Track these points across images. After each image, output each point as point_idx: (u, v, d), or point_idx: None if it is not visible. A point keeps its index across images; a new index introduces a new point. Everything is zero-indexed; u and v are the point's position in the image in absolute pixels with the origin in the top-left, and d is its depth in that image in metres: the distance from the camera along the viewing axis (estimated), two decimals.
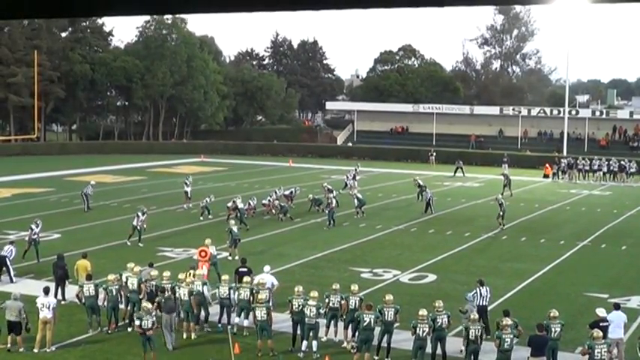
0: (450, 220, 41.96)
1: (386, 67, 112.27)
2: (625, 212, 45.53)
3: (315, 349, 19.99)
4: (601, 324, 19.04)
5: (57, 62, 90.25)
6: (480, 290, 21.51)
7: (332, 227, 38.41)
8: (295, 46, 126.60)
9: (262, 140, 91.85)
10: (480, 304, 21.22)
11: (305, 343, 20.15)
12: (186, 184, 45.73)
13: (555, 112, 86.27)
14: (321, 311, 20.54)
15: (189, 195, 44.71)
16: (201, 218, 40.51)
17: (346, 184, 52.19)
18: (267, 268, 24.01)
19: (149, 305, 19.58)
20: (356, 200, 42.36)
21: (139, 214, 34.02)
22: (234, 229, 31.71)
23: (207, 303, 22.12)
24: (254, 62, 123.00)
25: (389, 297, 20.36)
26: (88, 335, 21.22)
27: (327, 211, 39.75)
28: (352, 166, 59.85)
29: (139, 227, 33.47)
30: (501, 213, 38.81)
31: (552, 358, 18.77)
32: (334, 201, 40.09)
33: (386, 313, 19.80)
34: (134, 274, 22.43)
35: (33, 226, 30.47)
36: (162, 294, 21.43)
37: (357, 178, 55.09)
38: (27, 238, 30.39)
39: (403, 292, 25.70)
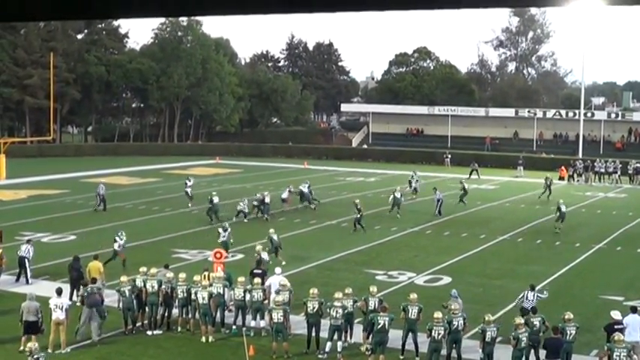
0: (465, 222, 41.86)
1: (401, 69, 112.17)
2: None
3: (339, 349, 19.99)
4: (616, 327, 18.97)
5: (72, 64, 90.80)
6: (527, 294, 21.60)
7: (356, 232, 37.51)
8: (310, 48, 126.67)
9: (277, 142, 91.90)
10: (526, 307, 21.19)
11: (329, 344, 20.10)
12: (186, 184, 46.50)
13: (571, 114, 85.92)
14: (350, 309, 20.51)
15: (189, 194, 45.78)
16: (234, 219, 39.80)
17: (413, 188, 51.74)
18: (278, 269, 23.95)
19: (35, 345, 17.72)
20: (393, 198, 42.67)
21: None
22: (275, 237, 30.24)
23: (225, 305, 22.18)
24: (269, 64, 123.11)
25: (413, 295, 20.48)
26: (103, 337, 21.24)
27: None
28: (409, 171, 58.25)
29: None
30: (558, 215, 39.03)
31: None
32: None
33: (410, 310, 19.82)
34: (152, 276, 22.42)
35: (117, 238, 29.54)
36: (85, 288, 21.48)
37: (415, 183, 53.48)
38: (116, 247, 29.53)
39: (418, 294, 25.41)
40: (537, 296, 21.78)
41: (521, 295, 21.90)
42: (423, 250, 34.09)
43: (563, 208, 39.43)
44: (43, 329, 20.38)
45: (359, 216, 38.13)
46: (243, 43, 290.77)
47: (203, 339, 21.17)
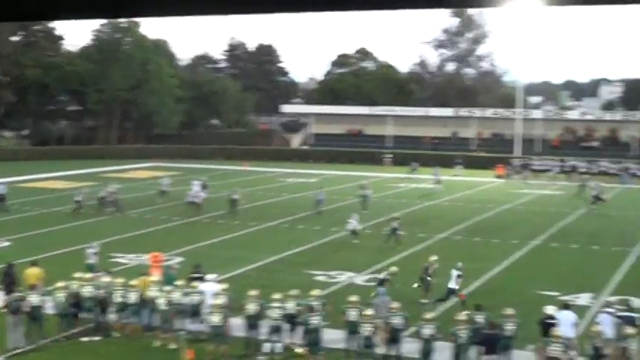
0: (404, 221, 41.96)
1: (342, 70, 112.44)
2: (576, 211, 46.08)
3: (279, 350, 19.92)
4: (548, 321, 19.28)
5: (7, 67, 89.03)
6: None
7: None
8: (251, 50, 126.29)
9: (217, 144, 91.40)
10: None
11: (268, 345, 20.01)
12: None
13: (508, 113, 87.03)
14: (292, 311, 20.40)
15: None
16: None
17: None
18: (209, 276, 23.63)
19: None
20: None
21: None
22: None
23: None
24: (209, 66, 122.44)
25: (353, 298, 20.44)
26: (35, 345, 20.78)
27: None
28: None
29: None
30: None
31: (505, 356, 18.86)
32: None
33: (349, 314, 19.80)
34: (87, 281, 22.09)
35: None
36: (11, 295, 21.23)
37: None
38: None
39: (358, 293, 25.57)
40: None
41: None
42: (362, 250, 34.15)
43: None
44: None
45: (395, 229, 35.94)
46: (183, 45, 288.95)
47: (159, 343, 20.96)
